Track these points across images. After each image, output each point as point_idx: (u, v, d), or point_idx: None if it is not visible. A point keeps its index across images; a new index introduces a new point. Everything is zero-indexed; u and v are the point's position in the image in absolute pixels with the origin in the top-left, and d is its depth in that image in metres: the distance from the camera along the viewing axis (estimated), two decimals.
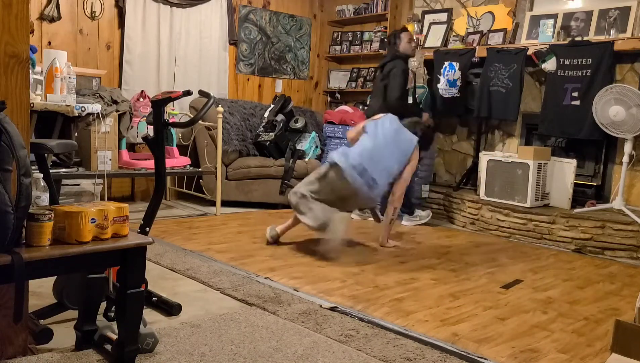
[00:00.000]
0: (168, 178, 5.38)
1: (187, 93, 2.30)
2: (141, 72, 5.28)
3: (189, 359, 2.01)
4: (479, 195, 4.86)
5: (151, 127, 3.77)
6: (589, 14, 4.73)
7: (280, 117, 5.55)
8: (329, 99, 6.96)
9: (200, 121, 4.19)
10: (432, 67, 5.50)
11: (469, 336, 2.40)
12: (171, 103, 4.74)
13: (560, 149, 4.95)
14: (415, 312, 2.66)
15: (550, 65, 4.66)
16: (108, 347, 2.02)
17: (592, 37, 4.62)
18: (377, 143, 3.73)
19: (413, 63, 5.47)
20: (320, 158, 5.79)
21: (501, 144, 5.37)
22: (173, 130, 5.04)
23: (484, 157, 4.86)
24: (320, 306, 2.64)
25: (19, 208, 1.55)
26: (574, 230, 4.22)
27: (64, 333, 2.15)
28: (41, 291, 2.53)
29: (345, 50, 6.72)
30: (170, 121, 2.71)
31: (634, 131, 4.14)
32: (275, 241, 3.86)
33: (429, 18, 5.87)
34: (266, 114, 5.67)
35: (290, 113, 5.70)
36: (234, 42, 6.01)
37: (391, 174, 3.74)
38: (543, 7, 5.10)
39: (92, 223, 1.73)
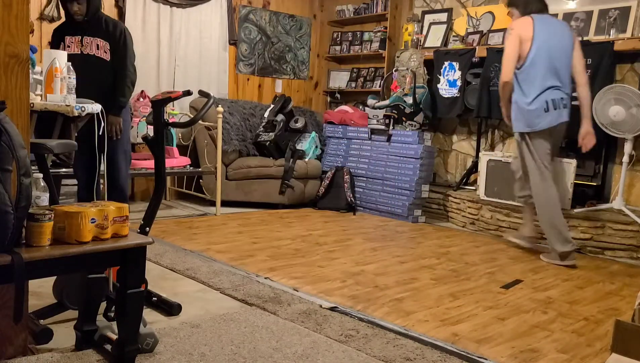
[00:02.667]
0: (168, 178, 5.38)
1: (187, 93, 2.30)
2: (141, 72, 5.26)
3: (189, 359, 2.01)
4: (479, 195, 4.86)
5: (151, 127, 3.77)
6: (589, 14, 4.73)
7: (280, 117, 5.56)
8: (328, 99, 6.96)
9: (200, 121, 4.20)
10: (432, 67, 5.50)
11: (469, 336, 2.40)
12: (171, 103, 4.74)
13: (561, 149, 4.94)
14: (415, 312, 2.66)
15: None
16: (108, 347, 2.02)
17: (592, 37, 4.62)
18: None
19: (413, 63, 5.47)
20: (320, 158, 5.80)
21: (501, 144, 5.37)
22: (173, 130, 5.04)
23: (484, 157, 4.86)
24: (320, 306, 2.64)
25: (19, 208, 1.55)
26: (574, 230, 4.21)
27: (64, 333, 2.15)
28: (41, 291, 2.53)
29: (345, 50, 6.72)
30: (170, 121, 2.71)
31: (634, 131, 4.13)
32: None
33: (429, 18, 5.87)
34: (266, 114, 5.68)
35: (290, 113, 5.70)
36: (234, 42, 6.01)
37: None
38: None
39: (92, 223, 1.72)
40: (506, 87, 3.81)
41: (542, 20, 3.75)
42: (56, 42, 3.49)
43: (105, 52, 3.50)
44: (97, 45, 3.49)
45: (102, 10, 3.58)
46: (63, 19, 4.85)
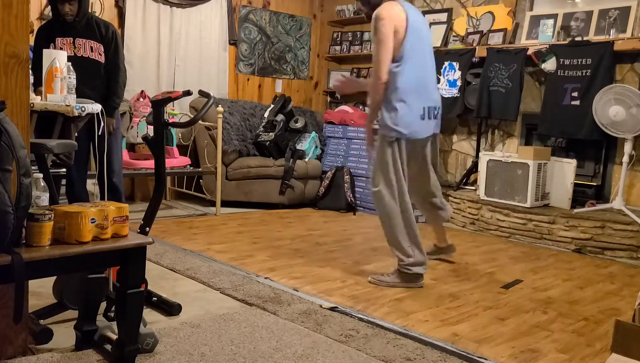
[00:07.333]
0: (168, 178, 5.38)
1: (187, 93, 2.30)
2: (141, 72, 5.28)
3: (189, 359, 2.01)
4: (479, 195, 4.86)
5: (151, 128, 3.77)
6: (589, 14, 4.73)
7: (280, 117, 5.55)
8: (328, 99, 6.96)
9: (200, 121, 4.19)
10: None
11: (469, 336, 2.40)
12: (171, 103, 4.74)
13: (560, 149, 4.95)
14: (415, 312, 2.66)
15: (550, 65, 4.66)
16: (108, 347, 2.02)
17: (592, 37, 4.62)
18: None
19: None
20: (320, 158, 5.79)
21: (501, 144, 5.37)
22: (173, 130, 5.04)
23: (484, 157, 4.86)
24: (320, 306, 2.64)
25: (19, 208, 1.55)
26: (574, 230, 4.22)
27: (64, 333, 2.15)
28: (41, 291, 2.52)
29: (345, 50, 6.72)
30: (170, 121, 2.71)
31: (634, 131, 4.13)
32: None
33: (429, 18, 5.86)
34: (266, 114, 5.68)
35: (290, 113, 5.70)
36: (234, 42, 6.01)
37: None
38: (543, 7, 5.09)
39: (92, 223, 1.73)
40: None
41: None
42: (45, 42, 3.40)
43: (100, 55, 3.50)
44: (91, 47, 3.48)
45: (90, 11, 3.58)
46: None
